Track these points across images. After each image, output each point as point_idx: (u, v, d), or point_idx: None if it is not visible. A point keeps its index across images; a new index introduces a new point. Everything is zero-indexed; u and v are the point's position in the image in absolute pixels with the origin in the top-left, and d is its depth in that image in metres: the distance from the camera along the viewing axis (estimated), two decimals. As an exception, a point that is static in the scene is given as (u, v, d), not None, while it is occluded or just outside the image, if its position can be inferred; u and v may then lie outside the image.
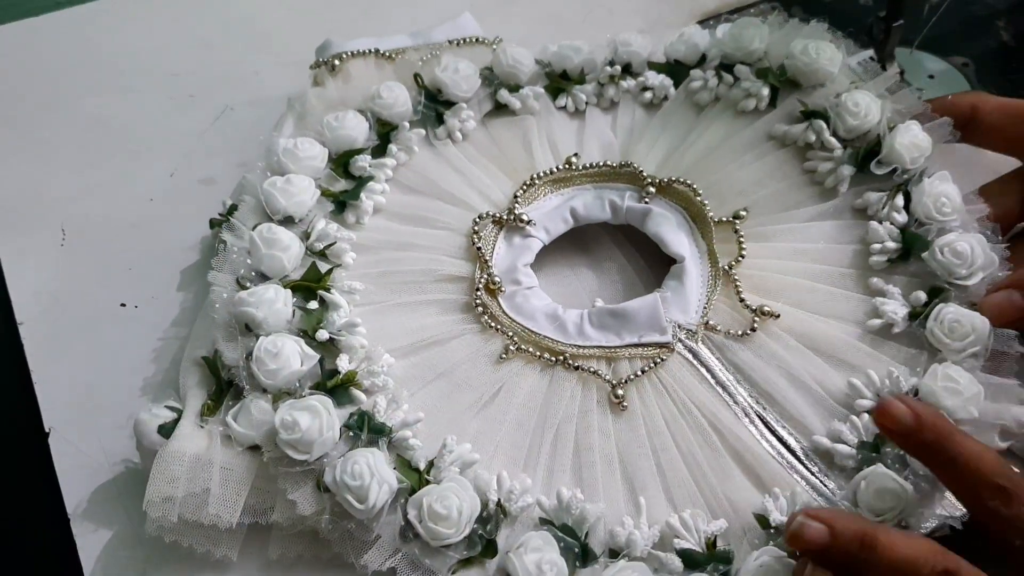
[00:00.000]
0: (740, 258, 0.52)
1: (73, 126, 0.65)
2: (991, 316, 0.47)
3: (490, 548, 0.42)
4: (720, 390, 0.48)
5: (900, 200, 0.51)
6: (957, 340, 0.46)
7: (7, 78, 0.68)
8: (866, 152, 0.53)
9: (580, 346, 0.49)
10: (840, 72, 0.56)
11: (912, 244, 0.50)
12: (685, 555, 0.42)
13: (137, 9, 0.73)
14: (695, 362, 0.48)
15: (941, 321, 0.47)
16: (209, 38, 0.71)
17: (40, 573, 0.49)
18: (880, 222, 0.51)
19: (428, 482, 0.43)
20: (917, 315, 0.48)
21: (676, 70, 0.60)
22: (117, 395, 0.50)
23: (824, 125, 0.54)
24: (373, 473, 0.41)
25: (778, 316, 0.49)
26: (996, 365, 0.47)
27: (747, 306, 0.50)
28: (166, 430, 0.44)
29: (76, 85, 0.68)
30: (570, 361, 0.48)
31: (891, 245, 0.50)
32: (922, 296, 0.48)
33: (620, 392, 0.47)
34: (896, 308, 0.48)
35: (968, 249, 0.48)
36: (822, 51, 0.55)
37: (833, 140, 0.54)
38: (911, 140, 0.51)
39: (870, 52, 0.66)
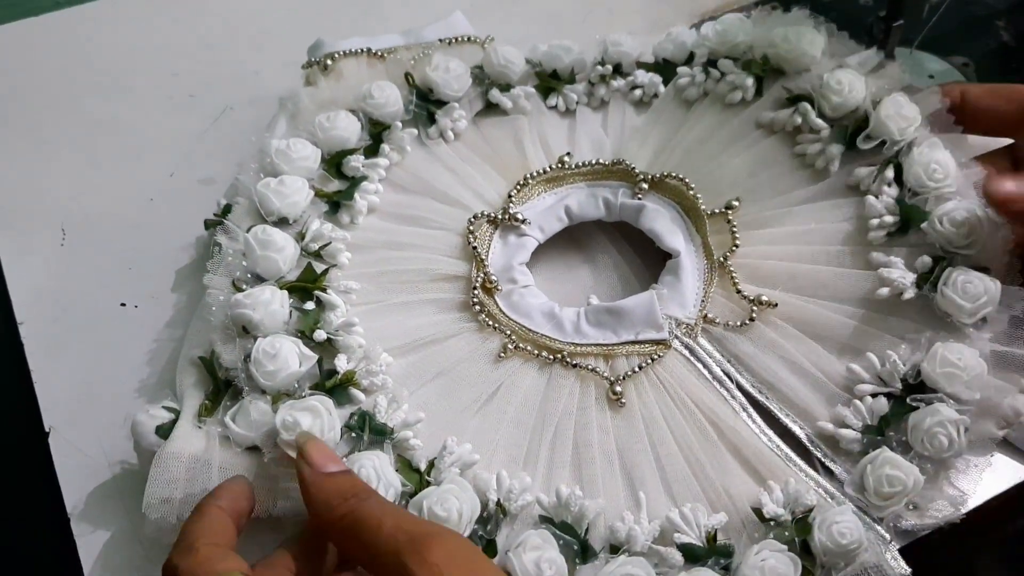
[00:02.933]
0: (734, 248, 0.51)
1: (73, 126, 0.64)
2: (996, 200, 0.47)
3: (490, 548, 0.41)
4: (717, 385, 0.47)
5: (890, 172, 0.51)
6: (969, 301, 0.45)
7: (7, 78, 0.67)
8: (854, 129, 0.53)
9: (577, 344, 0.48)
10: (823, 55, 0.55)
11: (910, 215, 0.49)
12: (686, 549, 0.41)
13: (137, 9, 0.72)
14: (692, 358, 0.48)
15: (953, 283, 0.46)
16: (209, 38, 0.70)
17: (40, 572, 0.48)
18: (875, 196, 0.51)
19: (428, 483, 0.42)
20: (924, 280, 0.47)
21: (665, 69, 0.59)
22: (117, 395, 0.50)
23: (809, 107, 0.54)
24: (380, 477, 0.41)
25: (775, 305, 0.49)
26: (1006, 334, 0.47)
27: (744, 296, 0.50)
28: (164, 431, 0.44)
29: (76, 85, 0.67)
30: (568, 359, 0.47)
31: (889, 219, 0.50)
32: (928, 260, 0.48)
33: (618, 389, 0.46)
34: (903, 274, 0.48)
35: (967, 217, 0.47)
36: (803, 35, 0.55)
37: (819, 121, 0.53)
38: (896, 111, 0.51)
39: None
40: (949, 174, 0.49)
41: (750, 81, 0.56)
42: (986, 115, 0.51)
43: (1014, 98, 0.50)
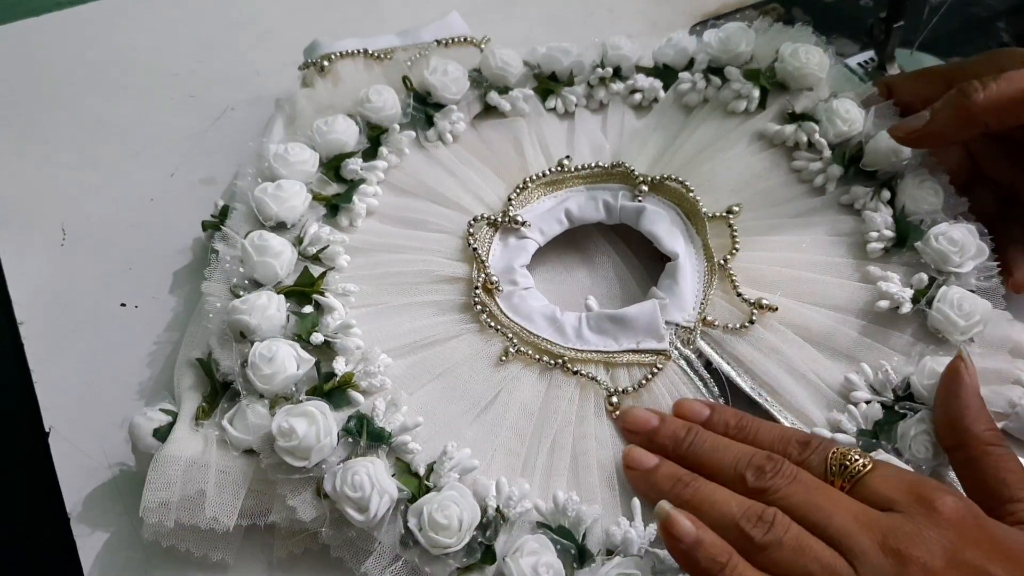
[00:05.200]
0: (734, 251, 0.51)
1: (73, 126, 0.63)
2: (899, 134, 0.50)
3: (489, 554, 0.41)
4: (714, 400, 0.47)
5: (887, 193, 0.51)
6: (964, 318, 0.46)
7: (7, 78, 0.67)
8: (851, 155, 0.53)
9: (578, 350, 0.47)
10: (825, 77, 0.56)
11: (907, 232, 0.50)
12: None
13: (137, 9, 0.72)
14: (689, 371, 0.47)
15: (950, 300, 0.46)
16: (209, 38, 0.70)
17: (40, 572, 0.48)
18: (872, 211, 0.51)
19: (428, 488, 0.42)
20: (921, 295, 0.48)
21: (665, 74, 0.59)
22: (117, 395, 0.49)
23: (815, 127, 0.54)
24: (374, 484, 0.40)
25: (776, 309, 0.49)
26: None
27: (744, 299, 0.49)
28: (161, 433, 0.43)
29: (76, 85, 0.66)
30: (569, 365, 0.47)
31: (888, 233, 0.50)
32: (924, 278, 0.48)
33: (615, 400, 0.46)
34: (900, 289, 0.48)
35: (962, 238, 0.48)
36: (811, 56, 0.55)
37: (823, 141, 0.54)
38: (889, 147, 0.52)
39: (871, 53, 0.66)
40: (939, 206, 0.51)
41: (756, 93, 0.56)
42: (914, 101, 0.53)
43: (934, 78, 0.52)
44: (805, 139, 0.54)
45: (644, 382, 0.47)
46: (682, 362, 0.48)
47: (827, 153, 0.54)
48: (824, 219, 0.53)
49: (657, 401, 0.47)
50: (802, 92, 0.56)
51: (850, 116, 0.53)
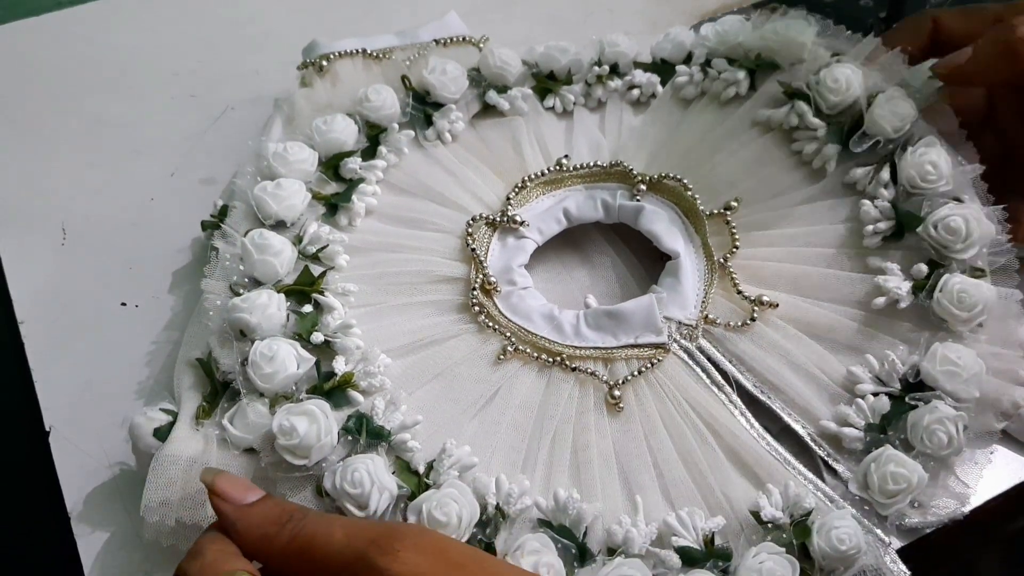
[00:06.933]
0: (734, 249, 0.51)
1: (73, 126, 0.63)
2: (941, 70, 0.49)
3: (489, 552, 0.40)
4: (716, 389, 0.46)
5: (886, 173, 0.50)
6: (965, 310, 0.45)
7: (7, 78, 0.67)
8: (850, 126, 0.52)
9: (577, 347, 0.47)
10: (816, 46, 0.54)
11: (905, 221, 0.49)
12: (683, 552, 0.41)
13: (137, 9, 0.72)
14: (691, 362, 0.47)
15: (949, 292, 0.46)
16: (209, 38, 0.70)
17: (40, 572, 0.48)
18: (871, 199, 0.50)
19: (427, 486, 0.42)
20: (920, 288, 0.47)
21: (663, 69, 0.59)
22: (117, 394, 0.49)
23: (805, 107, 0.53)
24: (373, 480, 0.40)
25: (776, 306, 0.48)
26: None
27: (745, 297, 0.49)
28: (161, 433, 0.43)
29: (76, 85, 0.66)
30: (567, 362, 0.47)
31: (883, 225, 0.49)
32: (923, 268, 0.47)
33: (617, 393, 0.46)
34: (898, 283, 0.47)
35: (962, 224, 0.47)
36: (791, 26, 0.54)
37: (816, 120, 0.52)
38: (892, 109, 0.50)
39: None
40: (943, 175, 0.48)
41: (742, 75, 0.56)
42: (960, 38, 0.50)
43: (984, 17, 0.50)
44: (797, 120, 0.53)
45: (643, 370, 0.47)
46: (683, 354, 0.48)
47: (821, 131, 0.52)
48: (824, 206, 0.52)
49: (656, 389, 0.47)
50: (794, 67, 0.55)
51: (839, 85, 0.51)
